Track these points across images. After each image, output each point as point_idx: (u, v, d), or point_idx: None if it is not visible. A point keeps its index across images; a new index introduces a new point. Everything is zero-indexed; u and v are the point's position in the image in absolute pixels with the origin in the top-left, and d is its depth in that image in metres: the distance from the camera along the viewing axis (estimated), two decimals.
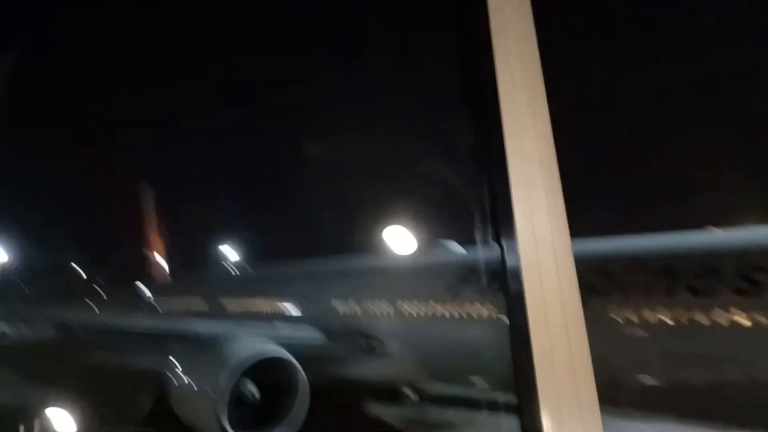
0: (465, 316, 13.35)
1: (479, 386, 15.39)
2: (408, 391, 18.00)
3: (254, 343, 13.12)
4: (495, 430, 15.78)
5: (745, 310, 9.05)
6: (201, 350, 13.52)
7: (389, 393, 18.12)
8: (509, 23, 3.00)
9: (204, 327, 15.77)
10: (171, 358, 13.63)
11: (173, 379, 13.07)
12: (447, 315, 13.77)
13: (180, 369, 13.19)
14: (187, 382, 12.92)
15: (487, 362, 13.03)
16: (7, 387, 21.75)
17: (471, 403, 17.89)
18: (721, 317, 9.28)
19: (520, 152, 2.95)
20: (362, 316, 16.03)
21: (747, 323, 9.03)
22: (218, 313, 21.65)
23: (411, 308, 14.78)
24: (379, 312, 15.72)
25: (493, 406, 16.74)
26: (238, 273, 25.86)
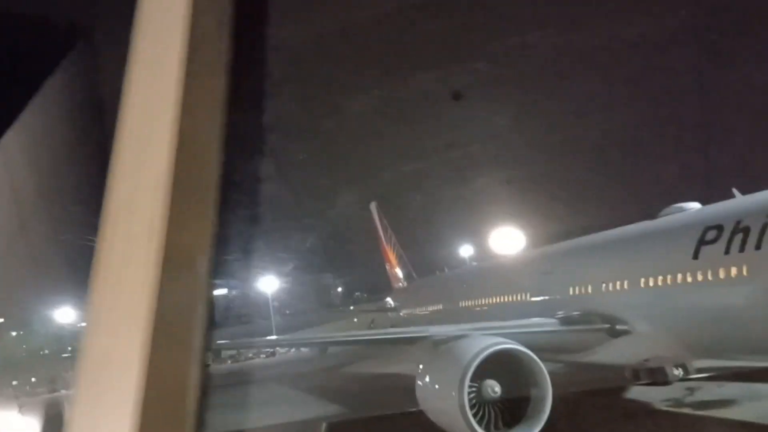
0: (717, 280, 11.85)
1: (748, 356, 13.57)
2: (669, 369, 16.54)
3: (486, 340, 13.05)
4: None
5: None
6: (439, 353, 13.85)
7: (645, 374, 16.83)
8: None
9: (437, 330, 16.16)
10: (417, 362, 14.22)
11: (419, 380, 13.56)
12: (692, 281, 12.32)
13: (424, 372, 13.66)
14: (430, 384, 13.32)
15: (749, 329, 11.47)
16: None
17: (737, 376, 15.86)
18: None
19: None
20: (598, 297, 15.08)
21: None
22: (453, 314, 22.10)
23: (652, 281, 13.53)
24: (617, 290, 14.68)
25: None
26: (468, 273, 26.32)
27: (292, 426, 19.32)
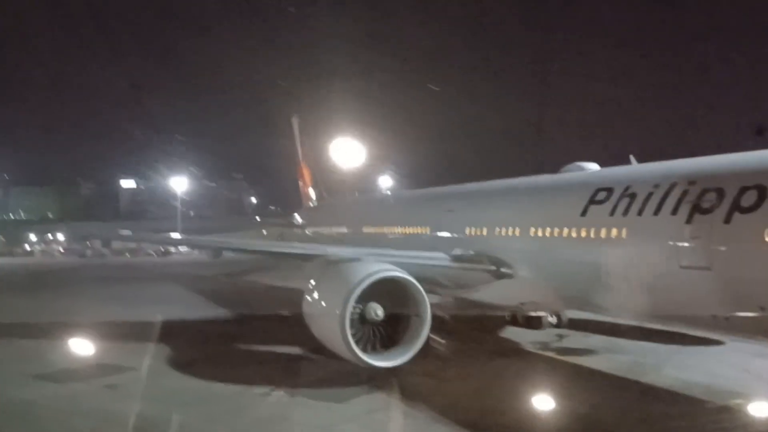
0: (596, 238, 12.57)
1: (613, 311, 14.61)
2: (542, 316, 17.72)
3: (377, 265, 13.38)
4: (640, 356, 15.15)
5: None
6: (330, 272, 14.10)
7: (521, 317, 17.95)
8: None
9: (335, 251, 16.40)
10: (308, 278, 14.42)
11: (307, 295, 13.82)
12: (576, 237, 13.02)
13: (313, 288, 13.90)
14: (317, 300, 13.60)
15: (620, 286, 12.33)
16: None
17: (604, 329, 17.19)
18: None
19: None
20: (491, 239, 15.70)
21: None
22: (356, 239, 22.46)
23: (541, 231, 14.20)
24: (508, 235, 15.33)
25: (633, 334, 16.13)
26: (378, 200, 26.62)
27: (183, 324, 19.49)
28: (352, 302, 12.47)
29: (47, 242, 61.82)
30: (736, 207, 9.82)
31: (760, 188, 9.66)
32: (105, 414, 10.34)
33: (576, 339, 17.31)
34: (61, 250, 60.80)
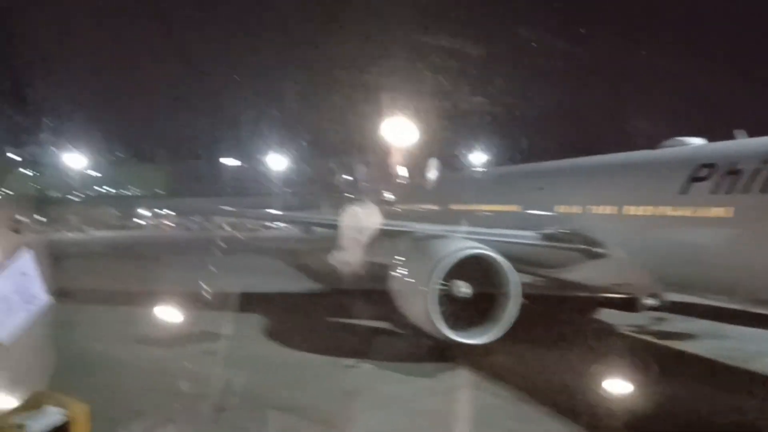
0: (701, 219, 11.87)
1: (718, 296, 13.84)
2: (638, 298, 16.97)
3: (463, 243, 13.32)
4: (743, 342, 14.27)
5: None
6: (417, 248, 14.20)
7: (616, 298, 17.29)
8: None
9: (422, 228, 16.46)
10: (395, 254, 14.60)
11: (393, 272, 14.00)
12: (679, 217, 12.35)
13: (400, 264, 14.07)
14: (403, 276, 13.75)
15: (723, 268, 11.61)
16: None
17: (705, 313, 16.26)
18: None
19: None
20: (583, 218, 15.17)
21: None
22: (445, 216, 22.35)
23: (637, 209, 13.57)
24: (602, 214, 14.75)
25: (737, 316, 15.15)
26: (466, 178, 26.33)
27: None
28: (437, 279, 12.52)
29: (156, 216, 65.78)
30: None
31: None
32: (202, 376, 10.97)
33: (674, 323, 16.50)
34: (169, 223, 64.55)
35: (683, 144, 14.51)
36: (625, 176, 15.17)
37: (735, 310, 15.34)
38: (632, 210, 13.57)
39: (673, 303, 17.03)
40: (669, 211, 12.49)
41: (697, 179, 12.04)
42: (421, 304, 12.70)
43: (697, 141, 14.52)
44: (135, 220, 65.68)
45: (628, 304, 17.08)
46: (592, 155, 18.10)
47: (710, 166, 11.93)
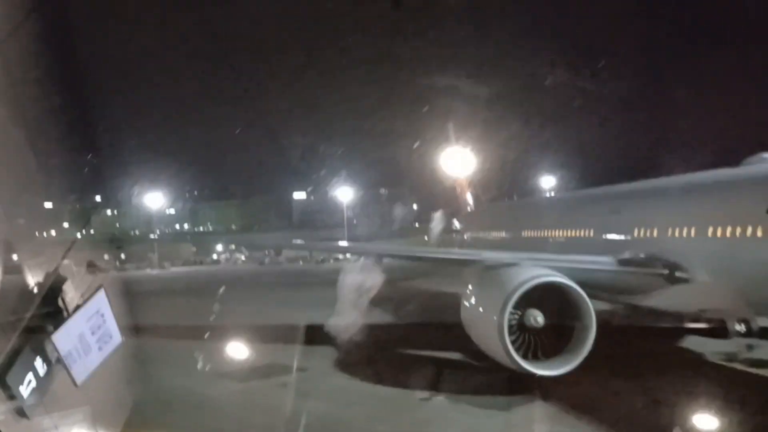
0: None
1: None
2: (730, 324, 15.92)
3: (535, 270, 12.93)
4: None
5: None
6: (487, 277, 13.90)
7: (703, 325, 16.29)
8: None
9: (492, 256, 16.12)
10: (466, 284, 14.37)
11: (464, 301, 13.77)
12: (763, 236, 11.60)
13: (470, 294, 13.83)
14: (474, 306, 13.48)
15: None
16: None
17: None
18: None
19: None
20: (663, 241, 14.47)
21: None
22: (515, 243, 21.93)
23: (721, 231, 12.82)
24: (683, 236, 14.03)
25: None
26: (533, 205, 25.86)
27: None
28: (509, 308, 12.19)
29: (231, 251, 67.66)
30: None
31: None
32: (278, 410, 11.02)
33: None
34: (243, 258, 66.20)
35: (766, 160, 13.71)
36: (707, 196, 14.43)
37: None
38: (717, 231, 12.83)
39: (764, 329, 15.92)
40: (756, 230, 11.74)
41: None
42: (493, 334, 12.37)
43: None
44: (212, 256, 67.71)
45: (718, 331, 16.05)
46: (665, 176, 17.45)
47: None
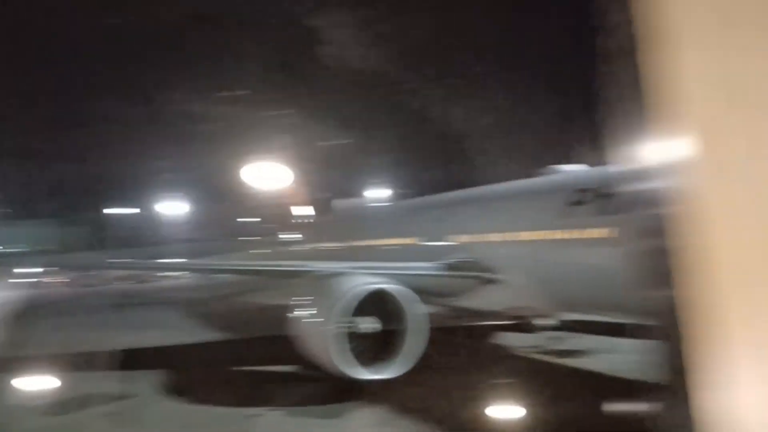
0: (583, 240, 12.61)
1: (607, 312, 14.64)
2: (535, 320, 17.65)
3: (366, 279, 13.38)
4: (629, 356, 15.12)
5: None
6: (317, 288, 14.08)
7: (514, 323, 17.89)
8: None
9: (320, 266, 16.37)
10: (296, 295, 14.39)
11: (294, 313, 13.79)
12: (563, 240, 13.07)
13: (301, 305, 13.88)
14: (305, 317, 13.57)
15: (610, 286, 12.34)
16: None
17: (599, 329, 17.18)
18: None
19: None
20: (480, 246, 15.73)
21: None
22: (342, 253, 22.43)
23: (526, 236, 14.25)
24: (496, 240, 15.36)
25: (627, 332, 16.09)
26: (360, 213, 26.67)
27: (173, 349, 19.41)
28: (340, 317, 12.47)
29: (50, 273, 61.24)
30: None
31: None
32: None
33: (569, 341, 17.28)
34: (63, 279, 60.24)
35: (561, 171, 15.48)
36: (513, 203, 15.92)
37: (621, 324, 16.27)
38: (523, 235, 14.23)
39: (566, 322, 17.87)
40: (554, 234, 13.20)
41: (576, 203, 12.83)
42: (325, 344, 12.55)
43: (574, 167, 15.54)
44: (25, 278, 60.64)
45: (526, 327, 17.72)
46: (485, 185, 18.92)
47: (588, 190, 12.75)
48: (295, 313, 13.80)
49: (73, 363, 14.60)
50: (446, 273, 15.77)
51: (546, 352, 16.25)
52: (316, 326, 12.99)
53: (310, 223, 30.17)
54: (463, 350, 16.62)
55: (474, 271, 15.23)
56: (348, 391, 12.76)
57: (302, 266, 17.56)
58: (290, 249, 30.06)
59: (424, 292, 15.44)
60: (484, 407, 11.11)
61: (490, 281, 14.89)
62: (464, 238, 16.48)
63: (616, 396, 12.02)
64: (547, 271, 13.63)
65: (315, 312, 13.30)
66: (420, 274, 15.68)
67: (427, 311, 13.51)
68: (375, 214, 26.00)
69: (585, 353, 15.85)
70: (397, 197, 30.49)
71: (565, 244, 12.90)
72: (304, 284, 14.84)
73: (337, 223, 25.89)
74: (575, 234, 12.65)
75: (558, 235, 13.17)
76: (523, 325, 17.74)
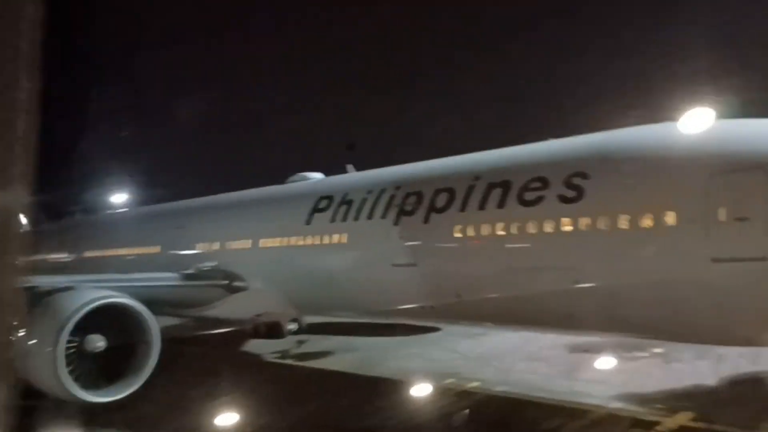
0: (320, 245, 13.18)
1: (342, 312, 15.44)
2: (283, 325, 17.97)
3: (94, 293, 12.28)
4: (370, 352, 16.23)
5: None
6: (39, 305, 12.55)
7: (262, 328, 18.01)
8: None
9: (46, 281, 14.66)
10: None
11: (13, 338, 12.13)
12: (303, 245, 13.52)
13: (18, 328, 12.25)
14: (24, 338, 12.00)
15: (344, 288, 13.08)
16: None
17: (340, 330, 18.20)
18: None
19: None
20: (223, 254, 15.50)
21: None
22: (78, 265, 20.48)
23: (270, 242, 14.43)
24: (239, 248, 15.28)
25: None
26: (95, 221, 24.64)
27: None
28: (65, 335, 11.25)
29: None
30: (432, 208, 11.08)
31: (450, 191, 11.03)
32: None
33: (315, 343, 17.93)
34: None
35: (306, 178, 15.99)
36: (257, 211, 16.00)
37: (361, 324, 17.42)
38: (266, 242, 14.39)
39: (312, 324, 18.53)
40: (298, 240, 13.59)
41: (318, 210, 13.38)
42: (48, 368, 11.21)
43: (317, 176, 16.16)
44: None
45: (274, 332, 17.92)
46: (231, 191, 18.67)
47: (329, 198, 13.38)
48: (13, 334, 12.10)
49: None
50: (187, 283, 15.22)
51: (291, 356, 16.60)
52: (36, 348, 11.55)
53: (38, 231, 26.81)
54: (208, 360, 16.21)
55: (217, 279, 14.94)
56: (72, 418, 11.56)
57: (23, 281, 15.46)
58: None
59: (167, 303, 14.76)
60: (219, 417, 10.98)
61: (235, 289, 14.74)
62: (209, 246, 16.09)
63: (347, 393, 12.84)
64: (292, 277, 13.95)
65: (35, 332, 11.83)
66: (160, 285, 14.90)
67: (161, 324, 12.84)
68: (111, 222, 24.09)
69: (325, 354, 16.57)
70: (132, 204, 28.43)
71: (309, 251, 13.35)
72: (25, 302, 13.11)
73: (64, 233, 23.41)
74: (316, 240, 13.16)
75: (302, 241, 13.58)
76: (272, 331, 17.97)
